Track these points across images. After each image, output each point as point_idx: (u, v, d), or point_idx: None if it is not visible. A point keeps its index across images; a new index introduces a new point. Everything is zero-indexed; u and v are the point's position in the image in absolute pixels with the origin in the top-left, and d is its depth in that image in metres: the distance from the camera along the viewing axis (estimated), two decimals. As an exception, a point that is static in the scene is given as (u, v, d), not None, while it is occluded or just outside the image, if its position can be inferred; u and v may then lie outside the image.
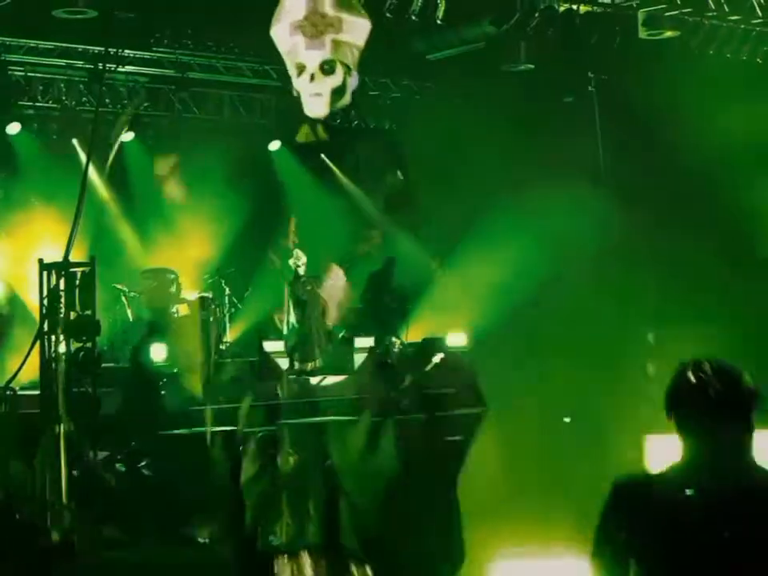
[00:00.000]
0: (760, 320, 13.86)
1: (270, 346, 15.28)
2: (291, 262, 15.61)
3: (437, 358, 13.67)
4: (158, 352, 13.66)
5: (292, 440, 11.75)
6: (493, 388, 13.97)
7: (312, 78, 12.71)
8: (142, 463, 11.22)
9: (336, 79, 12.68)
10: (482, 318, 14.76)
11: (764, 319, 13.82)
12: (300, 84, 13.01)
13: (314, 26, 12.41)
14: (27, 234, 14.82)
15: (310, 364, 15.01)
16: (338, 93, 12.78)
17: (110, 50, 14.43)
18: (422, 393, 13.25)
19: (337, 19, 12.33)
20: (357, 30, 12.42)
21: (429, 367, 13.54)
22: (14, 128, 16.00)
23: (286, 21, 12.71)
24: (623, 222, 14.19)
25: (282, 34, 12.97)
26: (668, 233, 14.60)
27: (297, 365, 14.84)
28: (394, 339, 13.93)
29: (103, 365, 12.43)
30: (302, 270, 15.59)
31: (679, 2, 13.35)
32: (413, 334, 15.77)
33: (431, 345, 14.52)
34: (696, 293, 13.88)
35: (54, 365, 11.05)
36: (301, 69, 12.88)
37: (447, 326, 15.32)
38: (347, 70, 12.71)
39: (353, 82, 12.94)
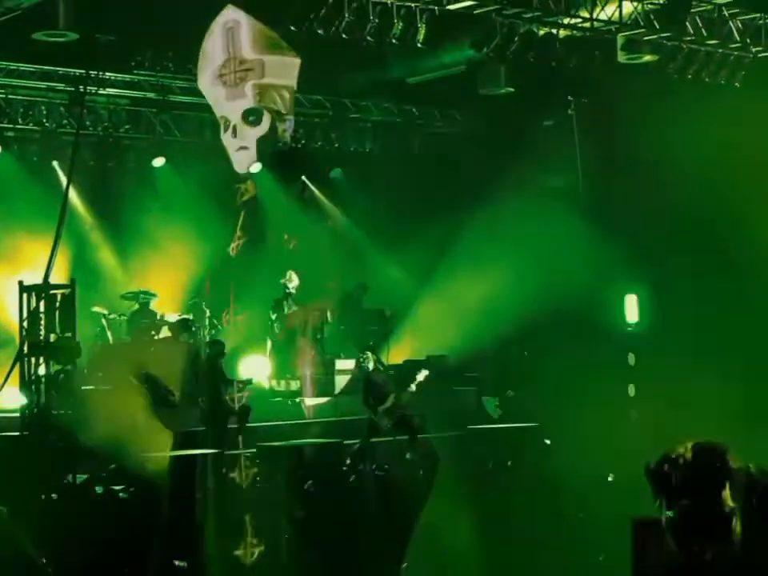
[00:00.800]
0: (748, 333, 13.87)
1: (250, 366, 15.26)
2: (283, 281, 15.58)
3: (421, 376, 13.49)
4: None
5: (255, 527, 10.24)
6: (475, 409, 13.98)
7: (234, 131, 12.03)
8: (120, 486, 11.08)
9: (262, 128, 12.00)
10: (462, 340, 14.76)
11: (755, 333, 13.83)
12: (225, 140, 12.37)
13: (234, 72, 11.72)
14: (7, 255, 14.74)
15: (291, 384, 14.99)
16: (265, 142, 12.08)
17: (90, 72, 14.42)
18: (402, 414, 13.17)
19: (258, 62, 11.61)
20: (283, 70, 11.65)
21: (413, 385, 13.37)
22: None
23: (208, 70, 12.09)
24: (602, 242, 14.23)
25: (206, 85, 12.34)
26: (647, 253, 14.66)
27: (275, 386, 14.84)
28: (368, 354, 13.62)
29: (83, 387, 12.40)
30: (292, 292, 15.59)
31: (658, 27, 13.47)
32: (394, 355, 15.75)
33: (413, 367, 14.40)
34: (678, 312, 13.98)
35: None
36: (226, 123, 12.26)
37: (428, 348, 15.33)
38: (277, 115, 12.06)
39: (288, 125, 12.25)
